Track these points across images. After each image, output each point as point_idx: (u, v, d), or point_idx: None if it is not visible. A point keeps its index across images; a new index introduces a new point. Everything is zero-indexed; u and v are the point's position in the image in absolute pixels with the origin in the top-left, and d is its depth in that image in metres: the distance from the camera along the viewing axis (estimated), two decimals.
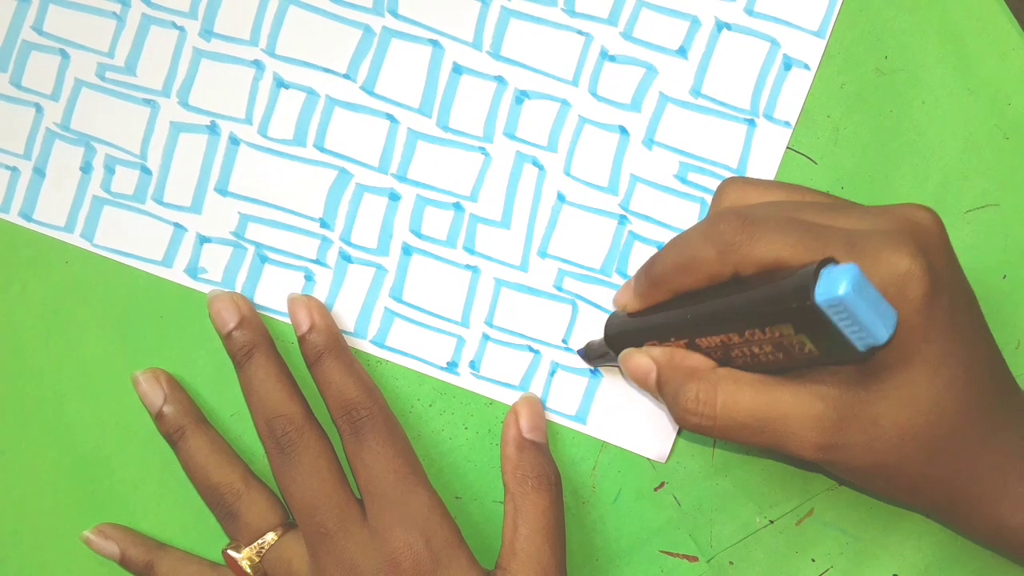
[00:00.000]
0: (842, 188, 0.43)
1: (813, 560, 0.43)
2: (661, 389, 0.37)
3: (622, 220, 0.43)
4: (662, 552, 0.43)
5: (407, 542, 0.39)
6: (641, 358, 0.38)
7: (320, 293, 0.44)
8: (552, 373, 0.43)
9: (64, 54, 0.44)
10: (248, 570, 0.40)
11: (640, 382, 0.38)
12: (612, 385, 0.43)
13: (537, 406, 0.43)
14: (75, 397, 0.44)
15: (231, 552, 0.41)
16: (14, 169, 0.44)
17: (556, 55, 0.43)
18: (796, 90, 0.43)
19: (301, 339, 0.42)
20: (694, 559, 0.43)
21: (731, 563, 0.43)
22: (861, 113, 0.43)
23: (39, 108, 0.44)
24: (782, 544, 0.43)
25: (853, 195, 0.43)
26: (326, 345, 0.41)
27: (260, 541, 0.41)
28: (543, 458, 0.41)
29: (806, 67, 0.43)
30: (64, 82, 0.44)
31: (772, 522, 0.43)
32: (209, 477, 0.41)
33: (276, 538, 0.41)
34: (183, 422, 0.42)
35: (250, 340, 0.42)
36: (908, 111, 0.43)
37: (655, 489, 0.43)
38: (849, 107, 0.43)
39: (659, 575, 0.43)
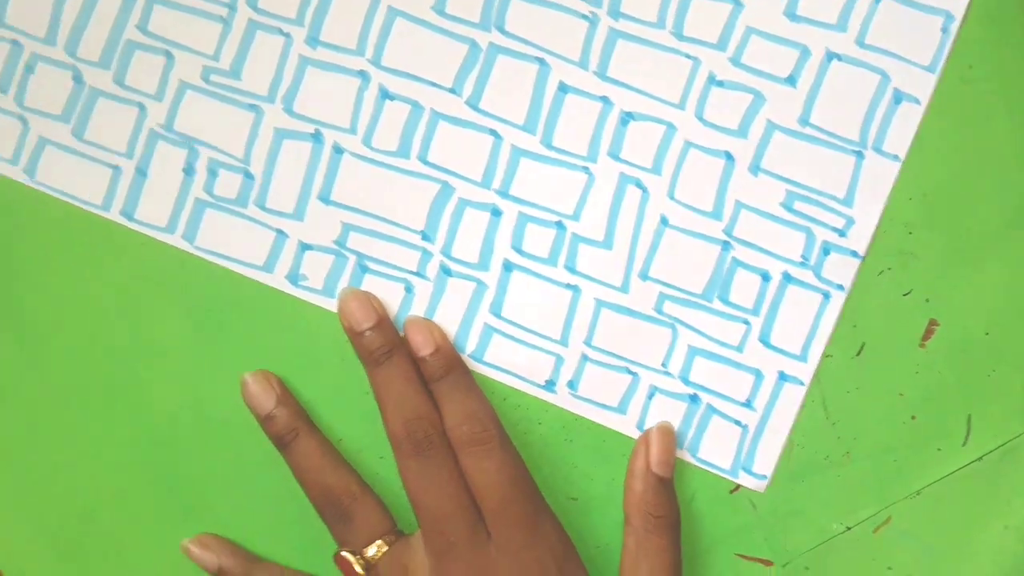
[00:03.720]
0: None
1: (890, 568, 0.43)
2: None
3: (725, 246, 0.43)
4: (737, 555, 0.43)
5: (539, 559, 0.39)
6: None
7: (419, 305, 0.44)
8: (650, 396, 0.43)
9: (169, 55, 0.44)
10: (361, 572, 0.41)
11: None
12: (712, 413, 0.44)
13: (670, 439, 0.42)
14: (174, 407, 0.44)
15: (346, 554, 0.41)
16: (116, 167, 0.44)
17: (663, 78, 0.43)
18: (906, 124, 0.43)
19: (422, 360, 0.42)
20: (769, 563, 0.43)
21: (806, 568, 0.43)
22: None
23: (142, 108, 0.44)
24: (858, 552, 0.43)
25: (934, 206, 0.43)
26: (449, 365, 0.42)
27: (375, 545, 0.41)
28: (667, 495, 0.41)
29: (916, 102, 0.43)
30: (168, 83, 0.44)
31: (849, 529, 0.43)
32: (325, 479, 0.41)
33: (387, 546, 0.41)
34: (296, 424, 0.42)
35: (389, 341, 0.42)
36: None
37: (731, 492, 0.43)
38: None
39: None
